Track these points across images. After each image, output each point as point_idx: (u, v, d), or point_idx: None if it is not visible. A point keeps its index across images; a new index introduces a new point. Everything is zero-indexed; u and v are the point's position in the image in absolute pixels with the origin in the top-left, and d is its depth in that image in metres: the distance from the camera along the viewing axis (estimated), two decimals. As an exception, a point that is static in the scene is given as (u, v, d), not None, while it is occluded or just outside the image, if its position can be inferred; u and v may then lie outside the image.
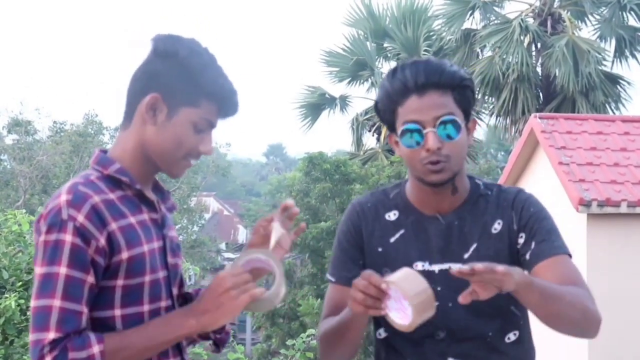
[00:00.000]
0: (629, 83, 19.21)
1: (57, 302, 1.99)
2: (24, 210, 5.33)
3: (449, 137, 2.31)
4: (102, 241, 2.05)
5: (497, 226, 2.39)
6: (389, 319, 2.12)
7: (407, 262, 2.37)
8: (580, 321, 2.26)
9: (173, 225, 2.29)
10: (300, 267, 18.47)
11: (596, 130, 11.39)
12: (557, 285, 2.23)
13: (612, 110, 18.90)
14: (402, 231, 2.42)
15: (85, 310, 2.02)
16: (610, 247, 10.28)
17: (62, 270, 2.01)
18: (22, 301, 4.80)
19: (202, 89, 2.14)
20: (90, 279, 2.03)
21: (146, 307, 2.12)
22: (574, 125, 11.47)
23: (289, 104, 40.16)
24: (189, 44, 2.17)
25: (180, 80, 2.14)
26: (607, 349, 9.98)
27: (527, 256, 2.35)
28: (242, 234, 45.45)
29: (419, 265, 2.38)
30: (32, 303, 2.03)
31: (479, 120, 20.05)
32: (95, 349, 1.99)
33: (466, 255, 2.36)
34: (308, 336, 5.83)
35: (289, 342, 5.84)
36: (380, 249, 2.43)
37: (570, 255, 2.38)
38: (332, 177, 17.53)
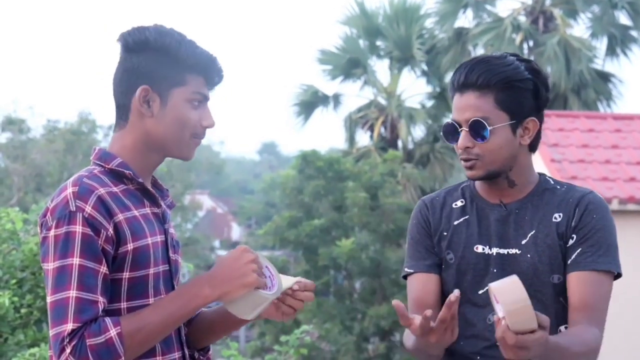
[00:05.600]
0: (620, 81, 19.29)
1: (73, 293, 2.00)
2: (17, 209, 5.30)
3: (479, 138, 2.40)
4: (111, 231, 2.06)
5: (557, 217, 2.46)
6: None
7: (469, 244, 2.48)
8: None
9: (171, 222, 2.30)
10: (294, 264, 18.50)
11: (588, 128, 11.43)
12: (566, 343, 2.25)
13: (604, 108, 18.97)
14: (466, 216, 2.52)
15: (101, 299, 2.03)
16: (601, 244, 10.32)
17: (75, 260, 2.02)
18: (15, 299, 4.78)
19: (183, 65, 2.16)
20: (103, 269, 2.05)
21: (151, 300, 2.13)
22: (565, 123, 11.51)
23: (282, 102, 40.10)
24: (155, 29, 2.18)
25: (160, 64, 2.16)
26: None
27: (569, 261, 2.42)
28: (236, 232, 45.42)
29: (479, 248, 2.47)
30: (49, 299, 2.03)
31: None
32: (113, 332, 2.00)
33: (524, 242, 2.45)
34: (302, 332, 5.82)
35: (283, 339, 5.82)
36: (445, 233, 2.52)
37: (616, 274, 2.43)
38: (325, 175, 17.53)
